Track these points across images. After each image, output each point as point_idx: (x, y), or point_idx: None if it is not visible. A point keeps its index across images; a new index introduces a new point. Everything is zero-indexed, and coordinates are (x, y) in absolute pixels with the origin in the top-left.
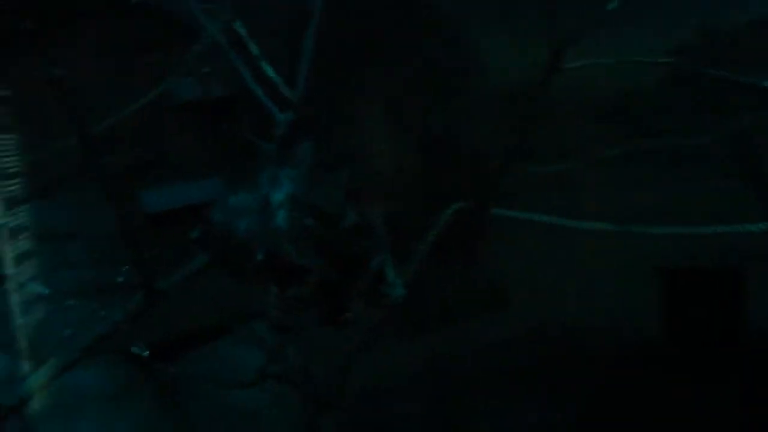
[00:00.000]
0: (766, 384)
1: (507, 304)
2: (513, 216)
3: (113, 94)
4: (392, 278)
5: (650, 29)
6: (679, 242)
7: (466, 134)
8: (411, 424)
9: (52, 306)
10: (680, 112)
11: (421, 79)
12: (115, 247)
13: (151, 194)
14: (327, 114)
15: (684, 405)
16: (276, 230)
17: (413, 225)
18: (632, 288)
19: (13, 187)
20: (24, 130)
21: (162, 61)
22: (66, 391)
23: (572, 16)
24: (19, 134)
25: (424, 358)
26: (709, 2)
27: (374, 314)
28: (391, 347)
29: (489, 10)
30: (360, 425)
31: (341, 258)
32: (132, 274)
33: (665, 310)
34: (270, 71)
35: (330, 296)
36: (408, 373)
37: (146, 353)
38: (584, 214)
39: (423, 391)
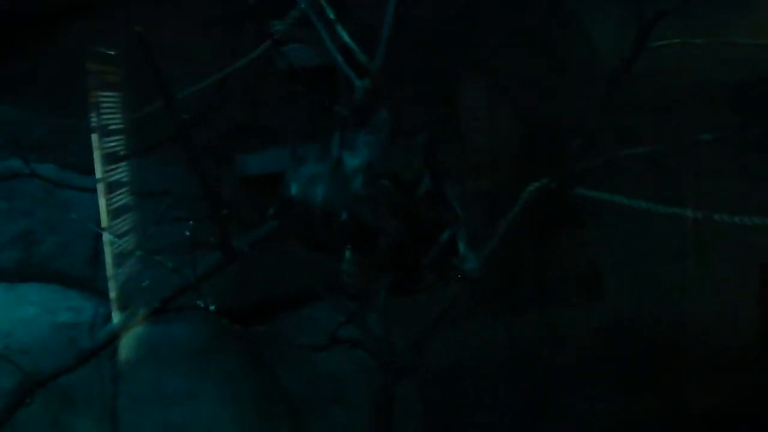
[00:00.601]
0: None
1: (602, 291)
2: (593, 197)
3: (208, 62)
4: (464, 251)
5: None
6: None
7: (566, 113)
8: (491, 404)
9: (142, 259)
10: None
11: (526, 56)
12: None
13: (248, 158)
14: (423, 85)
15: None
16: (353, 194)
17: (505, 201)
18: (733, 283)
19: (113, 144)
20: (127, 89)
21: (260, 30)
22: (156, 342)
23: None
24: (122, 92)
25: (512, 339)
26: None
27: (454, 288)
28: (480, 325)
29: None
30: (440, 400)
31: (414, 225)
32: (209, 232)
33: (761, 307)
34: (346, 37)
35: (402, 263)
36: (494, 352)
37: (213, 308)
38: (685, 201)
39: (507, 371)
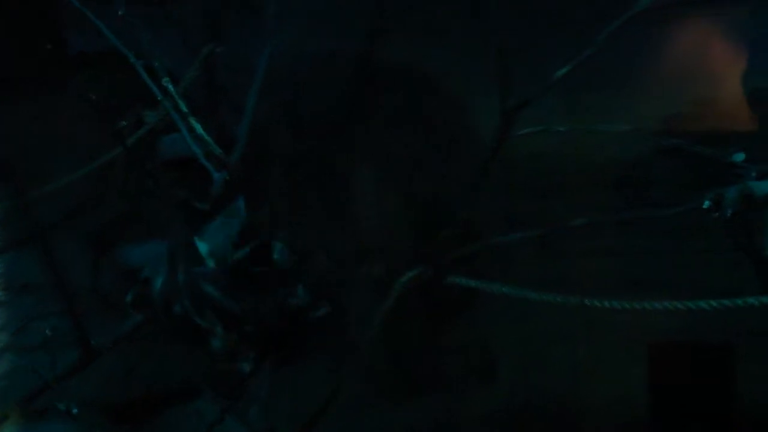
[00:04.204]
0: None
1: (495, 373)
2: (468, 285)
3: (94, 150)
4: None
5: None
6: (675, 316)
7: (452, 198)
8: None
9: (9, 357)
10: (675, 183)
11: (415, 140)
12: (84, 300)
13: (130, 249)
14: (310, 171)
15: None
16: (199, 278)
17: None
18: (623, 362)
19: None
20: (3, 178)
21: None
22: None
23: (526, 81)
24: None
25: (407, 425)
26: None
27: (338, 377)
28: (374, 412)
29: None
30: None
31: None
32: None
33: (650, 385)
34: (200, 129)
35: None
36: None
37: (75, 411)
38: (572, 283)
39: None
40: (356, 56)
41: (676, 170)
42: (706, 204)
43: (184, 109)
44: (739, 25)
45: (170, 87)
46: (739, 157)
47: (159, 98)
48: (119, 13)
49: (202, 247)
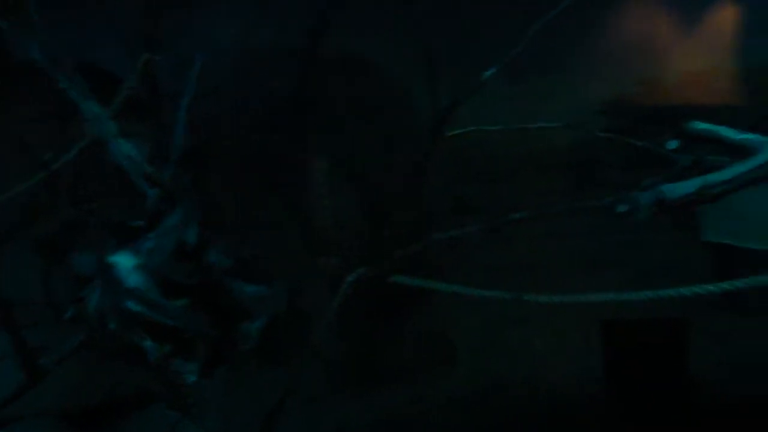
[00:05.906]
0: None
1: (455, 360)
2: (410, 284)
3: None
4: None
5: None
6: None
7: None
8: None
9: None
10: (620, 162)
11: (367, 136)
12: (39, 314)
13: (81, 257)
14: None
15: None
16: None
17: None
18: (577, 341)
19: None
20: None
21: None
22: None
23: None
24: None
25: (372, 417)
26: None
27: (295, 371)
28: (338, 405)
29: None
30: None
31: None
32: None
33: (607, 363)
34: (127, 148)
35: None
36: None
37: None
38: (527, 267)
39: None
40: (299, 49)
41: (620, 150)
42: (621, 208)
43: (114, 131)
44: (681, 4)
45: (96, 110)
46: (673, 144)
47: (87, 119)
48: (39, 38)
49: (133, 262)
